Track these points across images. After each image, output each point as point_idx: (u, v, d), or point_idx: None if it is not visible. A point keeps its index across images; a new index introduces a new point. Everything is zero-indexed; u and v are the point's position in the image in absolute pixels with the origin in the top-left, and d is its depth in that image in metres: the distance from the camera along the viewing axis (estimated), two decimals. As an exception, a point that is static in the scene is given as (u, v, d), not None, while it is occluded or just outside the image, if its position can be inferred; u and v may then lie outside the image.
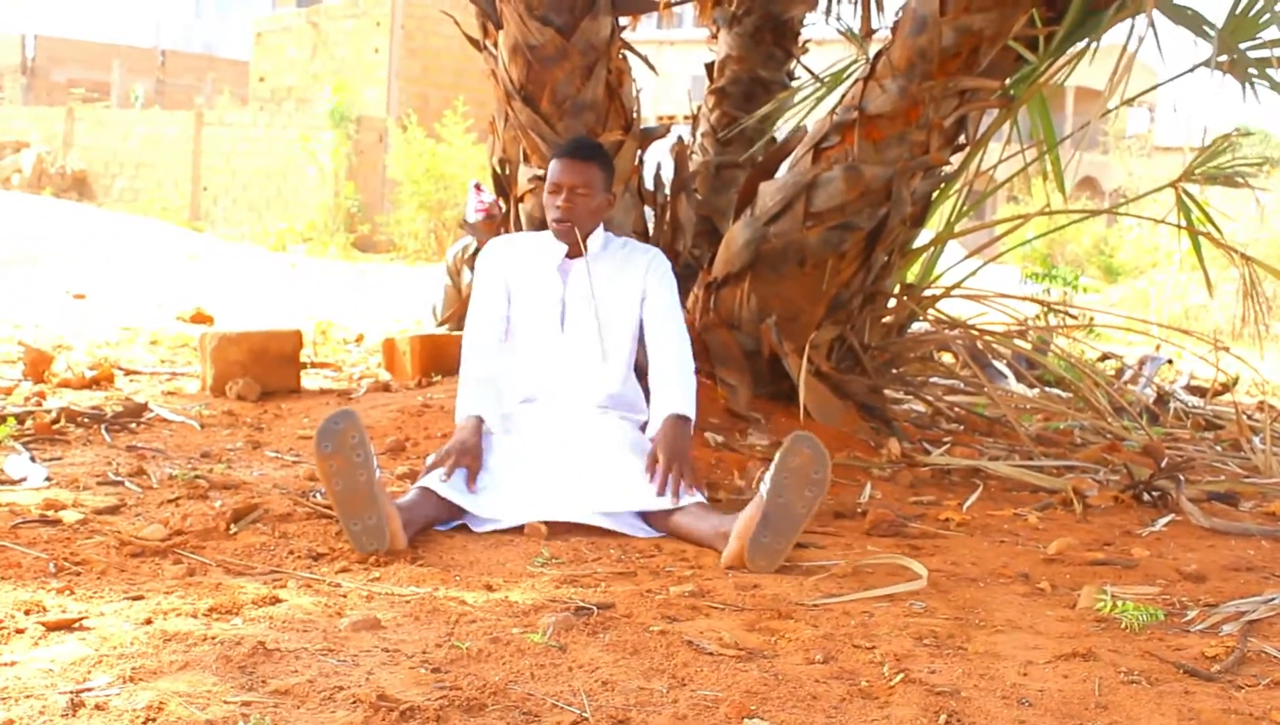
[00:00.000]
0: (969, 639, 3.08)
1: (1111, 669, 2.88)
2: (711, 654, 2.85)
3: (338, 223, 24.99)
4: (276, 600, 3.10)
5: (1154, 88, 6.53)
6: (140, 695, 2.42)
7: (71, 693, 2.39)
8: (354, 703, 2.43)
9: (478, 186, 8.02)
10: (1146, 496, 5.13)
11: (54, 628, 2.79)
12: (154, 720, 2.30)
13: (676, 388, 4.34)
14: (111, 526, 3.71)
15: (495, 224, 6.68)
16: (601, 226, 4.53)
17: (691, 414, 4.33)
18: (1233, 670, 2.92)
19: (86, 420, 5.35)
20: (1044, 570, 3.88)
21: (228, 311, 11.10)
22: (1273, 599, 3.47)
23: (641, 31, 34.08)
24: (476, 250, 7.96)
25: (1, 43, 40.68)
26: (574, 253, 4.46)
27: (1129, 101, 6.68)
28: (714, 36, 7.85)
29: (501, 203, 5.93)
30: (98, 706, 2.33)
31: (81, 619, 2.85)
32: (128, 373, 7.08)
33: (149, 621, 2.87)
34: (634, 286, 4.50)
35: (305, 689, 2.50)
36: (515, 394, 4.49)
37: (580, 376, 4.46)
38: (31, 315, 9.89)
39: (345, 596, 3.20)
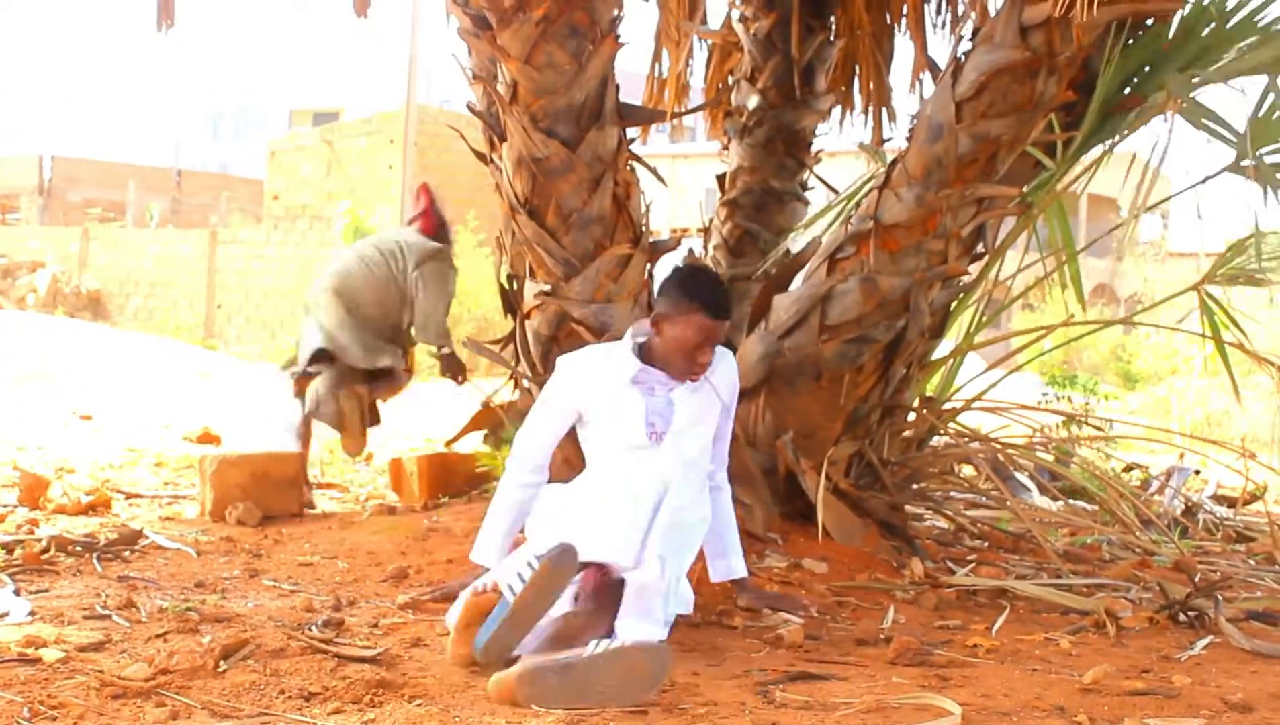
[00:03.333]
0: (1005, 782, 2.87)
1: (1160, 816, 2.66)
2: (728, 804, 2.65)
3: (352, 341, 24.90)
4: (263, 747, 2.90)
5: (1172, 197, 6.42)
6: None
7: None
8: None
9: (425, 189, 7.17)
10: (1183, 616, 4.92)
11: (21, 782, 2.60)
12: None
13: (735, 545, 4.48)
14: (94, 665, 3.51)
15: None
16: None
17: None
18: (1292, 815, 2.70)
19: (78, 549, 5.15)
20: (1081, 702, 3.66)
21: (237, 431, 10.92)
22: (1327, 732, 3.25)
23: (654, 145, 34.15)
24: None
25: (19, 164, 40.92)
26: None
27: (1150, 210, 6.56)
28: (725, 148, 7.76)
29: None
30: None
31: (52, 772, 2.66)
32: (128, 496, 6.90)
33: (125, 774, 2.68)
34: (714, 388, 4.35)
35: (286, 851, 2.30)
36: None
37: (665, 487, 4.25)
38: (36, 436, 9.72)
39: (336, 741, 3.00)
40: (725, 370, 4.37)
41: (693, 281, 4.21)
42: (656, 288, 4.35)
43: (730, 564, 4.44)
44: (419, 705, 3.32)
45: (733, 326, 6.82)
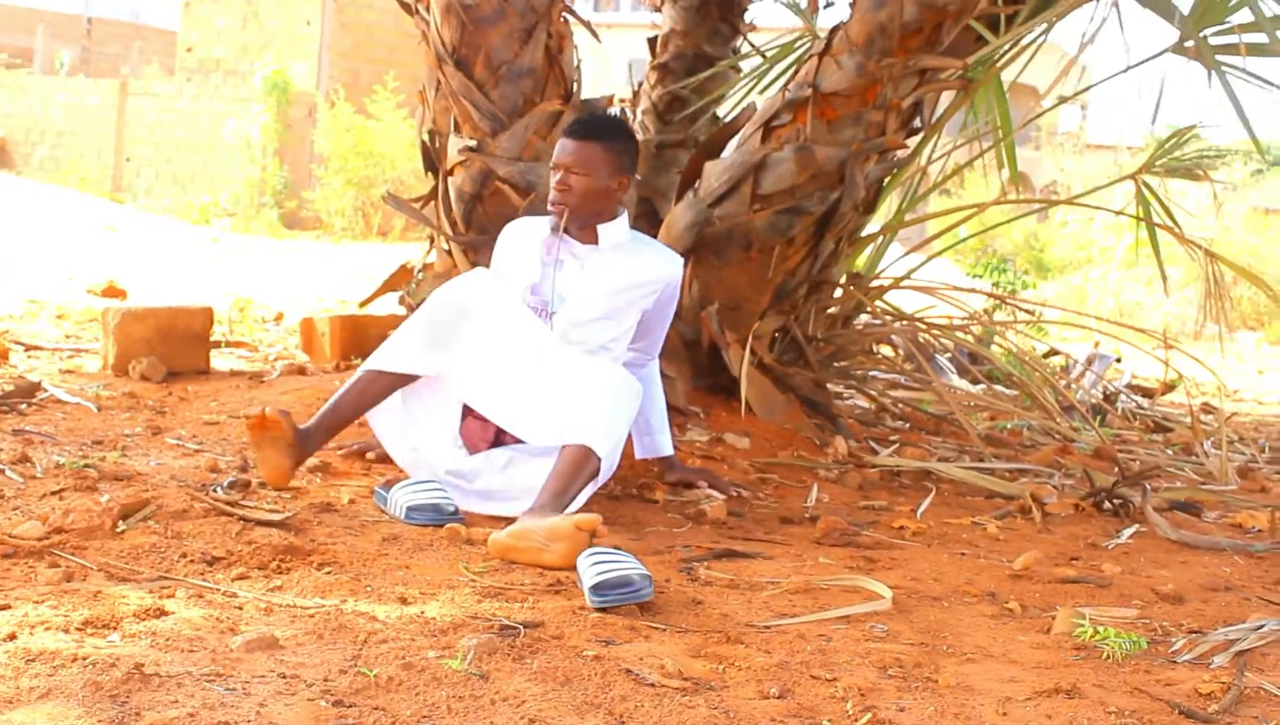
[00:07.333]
0: (938, 669, 2.77)
1: (1099, 708, 2.57)
2: (653, 685, 2.52)
3: (264, 198, 24.47)
4: (162, 613, 2.73)
5: (1101, 83, 6.30)
6: (-12, 731, 2.07)
7: (-93, 727, 2.04)
8: (239, 744, 2.09)
9: None
10: (1108, 504, 4.86)
11: (-101, 644, 2.42)
12: (-1, 765, 1.95)
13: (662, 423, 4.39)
14: (-17, 522, 3.32)
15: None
16: (625, 219, 4.10)
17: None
18: (1231, 711, 2.62)
19: (-29, 400, 4.94)
20: (1011, 588, 3.58)
21: (143, 286, 10.64)
22: (1262, 626, 3.17)
23: (579, 13, 33.68)
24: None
25: (-79, 5, 39.66)
26: (585, 238, 4.07)
27: (1069, 100, 6.44)
28: (658, 9, 7.52)
29: None
30: (-69, 749, 1.98)
31: (-66, 633, 2.49)
32: (27, 348, 6.65)
33: (12, 637, 2.51)
34: (638, 287, 4.10)
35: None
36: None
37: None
38: (-68, 285, 9.42)
39: (241, 609, 2.84)
40: (659, 265, 4.16)
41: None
42: None
43: (656, 441, 4.35)
44: (328, 573, 3.17)
45: (660, 194, 6.71)
